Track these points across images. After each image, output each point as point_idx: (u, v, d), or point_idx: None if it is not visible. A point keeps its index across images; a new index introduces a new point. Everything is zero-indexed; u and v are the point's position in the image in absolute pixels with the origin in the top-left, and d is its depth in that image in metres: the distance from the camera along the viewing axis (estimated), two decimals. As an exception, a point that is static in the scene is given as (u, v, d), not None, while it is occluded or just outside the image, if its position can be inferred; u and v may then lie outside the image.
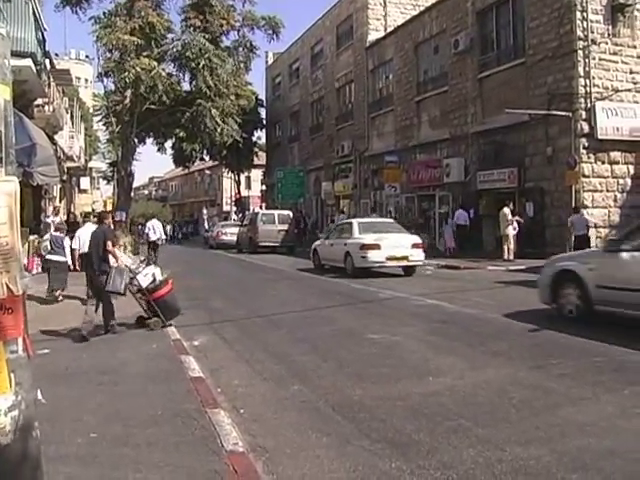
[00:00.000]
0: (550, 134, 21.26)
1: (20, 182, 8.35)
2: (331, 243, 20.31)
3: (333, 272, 19.38)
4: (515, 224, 20.94)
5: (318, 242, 22.21)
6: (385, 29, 34.70)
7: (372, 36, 34.96)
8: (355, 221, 20.63)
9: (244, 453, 4.65)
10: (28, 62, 16.65)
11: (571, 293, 9.96)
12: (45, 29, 22.98)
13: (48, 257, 14.01)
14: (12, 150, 2.44)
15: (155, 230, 23.75)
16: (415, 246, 18.17)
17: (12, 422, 2.40)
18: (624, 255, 9.20)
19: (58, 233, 14.48)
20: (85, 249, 13.22)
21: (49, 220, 19.07)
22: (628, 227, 11.98)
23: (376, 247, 17.70)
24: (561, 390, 6.08)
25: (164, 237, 26.14)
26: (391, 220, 23.14)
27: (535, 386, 6.25)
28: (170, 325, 9.87)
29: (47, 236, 15.67)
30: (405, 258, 17.84)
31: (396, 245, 17.80)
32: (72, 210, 23.11)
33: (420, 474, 4.23)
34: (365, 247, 17.85)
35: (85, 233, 13.69)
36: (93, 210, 52.84)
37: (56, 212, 20.18)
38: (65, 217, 18.44)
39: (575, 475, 4.12)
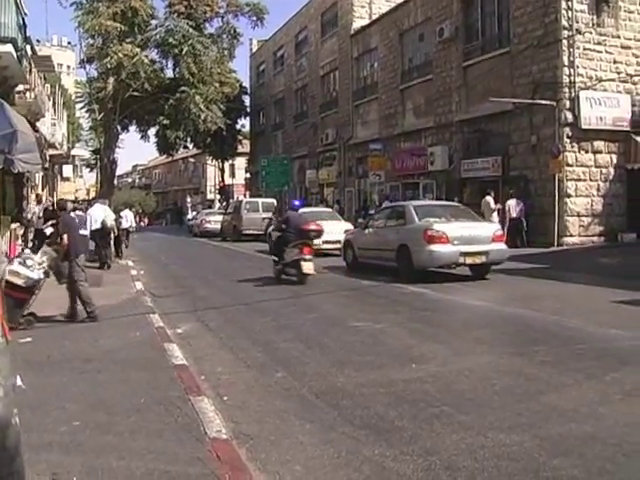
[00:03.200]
0: (534, 123, 21.34)
1: (1, 170, 8.27)
2: None
3: None
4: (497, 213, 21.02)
5: (271, 227, 24.31)
6: (370, 17, 34.64)
7: (357, 24, 34.88)
8: (300, 210, 22.47)
9: (227, 440, 4.65)
10: (9, 48, 16.44)
11: (350, 253, 17.06)
12: (26, 14, 22.67)
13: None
14: (-10, 134, 2.41)
15: (127, 219, 24.86)
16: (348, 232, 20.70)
17: (-10, 409, 2.38)
18: (366, 231, 16.63)
19: (81, 212, 16.49)
20: (97, 225, 17.41)
21: (34, 209, 19.01)
22: (372, 214, 19.66)
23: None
24: (543, 377, 6.12)
25: (134, 225, 27.82)
26: (330, 210, 26.63)
27: (517, 373, 6.29)
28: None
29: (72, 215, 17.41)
30: (338, 242, 19.90)
31: (331, 231, 19.83)
32: (51, 199, 22.98)
33: (403, 460, 4.24)
34: None
35: (96, 212, 17.72)
36: (76, 198, 52.61)
37: (38, 200, 20.03)
38: (48, 206, 18.34)
39: (557, 460, 4.14)
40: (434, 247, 13.30)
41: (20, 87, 22.67)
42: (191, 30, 19.31)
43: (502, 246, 14.25)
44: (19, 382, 2.60)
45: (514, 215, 21.35)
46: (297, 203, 17.56)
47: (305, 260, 13.97)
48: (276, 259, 15.01)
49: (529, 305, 10.12)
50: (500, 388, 5.78)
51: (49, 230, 16.17)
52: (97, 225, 18.26)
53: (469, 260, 13.60)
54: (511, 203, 21.49)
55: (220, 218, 36.80)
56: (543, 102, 20.40)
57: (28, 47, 24.31)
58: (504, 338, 7.93)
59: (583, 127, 20.47)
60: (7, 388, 2.46)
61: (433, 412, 5.17)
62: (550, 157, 20.17)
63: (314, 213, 23.25)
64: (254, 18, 21.18)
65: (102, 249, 18.30)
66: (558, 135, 20.30)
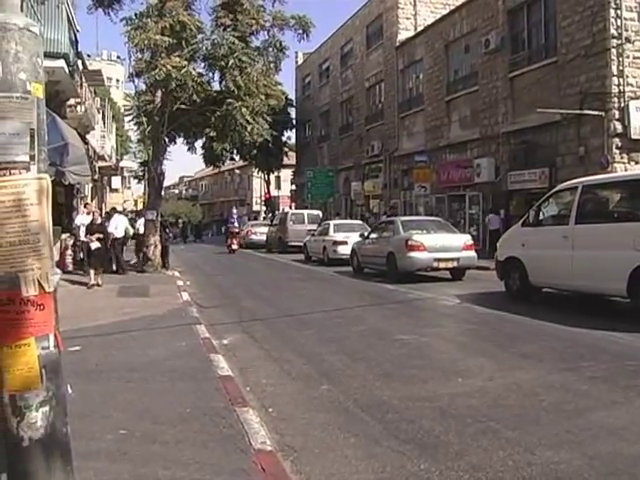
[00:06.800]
0: (582, 134, 21.00)
1: (53, 181, 8.50)
2: (315, 239, 25.43)
3: (317, 262, 24.50)
4: None
5: (307, 238, 26.93)
6: (415, 28, 34.56)
7: (402, 35, 34.84)
8: (332, 222, 26.30)
9: (272, 452, 4.64)
10: (61, 63, 16.86)
11: (355, 260, 20.01)
12: (78, 30, 23.26)
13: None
14: (44, 148, 2.47)
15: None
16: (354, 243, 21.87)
17: (43, 417, 2.43)
18: (366, 240, 19.32)
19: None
20: (119, 234, 18.64)
21: (82, 220, 19.14)
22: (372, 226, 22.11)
23: (345, 243, 22.30)
24: (592, 393, 5.99)
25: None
26: (360, 222, 28.00)
27: (566, 389, 6.17)
28: None
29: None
30: None
31: None
32: (97, 211, 23.18)
33: (449, 476, 4.19)
34: (336, 243, 23.04)
35: (116, 222, 18.84)
36: (124, 209, 53.56)
37: (88, 211, 20.30)
38: (95, 219, 18.36)
39: (607, 480, 4.06)
40: (413, 254, 16.39)
41: (71, 101, 23.20)
42: (237, 42, 19.42)
43: (471, 254, 17.00)
44: (70, 390, 2.65)
45: (493, 228, 24.09)
46: (232, 220, 35.74)
47: (233, 244, 32.88)
48: (226, 243, 33.42)
49: (575, 320, 9.92)
50: (548, 404, 5.68)
51: (95, 245, 15.82)
52: (120, 234, 18.64)
53: (442, 265, 16.56)
54: (491, 217, 24.71)
55: (266, 229, 37.09)
56: (591, 112, 20.07)
57: (79, 62, 24.89)
58: (551, 353, 7.79)
59: (633, 137, 20.04)
60: (59, 397, 2.51)
61: (479, 427, 5.10)
62: (599, 168, 19.80)
63: (347, 225, 25.82)
64: (300, 31, 21.20)
65: (119, 256, 18.96)
66: (607, 146, 19.94)
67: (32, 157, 2.38)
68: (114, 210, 22.11)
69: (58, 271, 2.48)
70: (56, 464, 2.47)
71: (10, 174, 2.34)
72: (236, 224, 36.19)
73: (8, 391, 2.41)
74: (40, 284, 2.38)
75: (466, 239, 17.47)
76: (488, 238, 24.55)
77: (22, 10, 2.44)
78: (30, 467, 2.42)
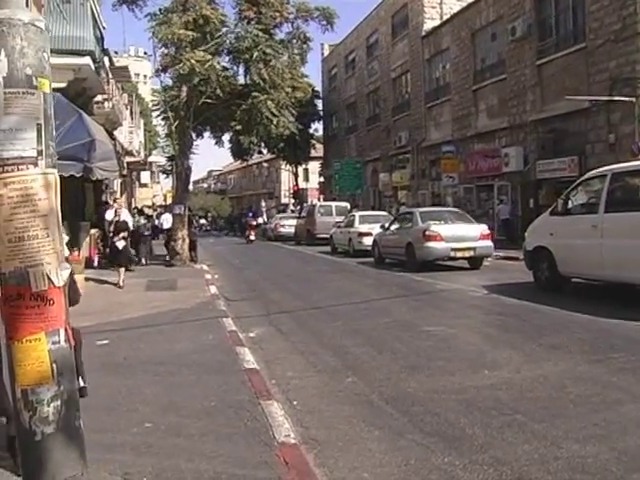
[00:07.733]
0: (612, 120, 20.65)
1: (81, 177, 8.60)
2: (341, 231, 25.88)
3: (343, 253, 24.84)
4: None
5: (333, 230, 27.43)
6: (441, 17, 34.27)
7: (428, 25, 34.56)
8: (357, 214, 26.60)
9: (296, 445, 4.63)
10: (87, 60, 16.98)
11: (376, 250, 20.41)
12: (104, 27, 23.42)
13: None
14: (52, 143, 2.46)
15: (167, 221, 26.51)
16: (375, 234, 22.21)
17: (55, 411, 2.44)
18: (386, 232, 19.77)
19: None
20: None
21: (109, 217, 19.14)
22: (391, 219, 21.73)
23: (369, 234, 22.33)
24: (622, 385, 5.88)
25: None
26: (385, 213, 28.32)
27: (594, 381, 6.07)
28: None
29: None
30: None
31: None
32: (119, 210, 23.01)
33: (473, 469, 4.14)
34: (362, 234, 23.25)
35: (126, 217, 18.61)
36: (153, 204, 53.92)
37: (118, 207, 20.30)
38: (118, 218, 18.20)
39: (636, 475, 3.96)
40: (430, 244, 16.92)
41: (98, 97, 23.39)
42: (260, 34, 19.41)
43: (488, 243, 17.49)
44: (82, 383, 2.66)
45: (504, 217, 25.64)
46: (250, 214, 42.19)
47: (250, 234, 35.97)
48: (245, 235, 36.90)
49: (605, 311, 9.75)
50: (575, 396, 5.59)
51: (121, 244, 15.59)
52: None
53: (459, 254, 17.07)
54: (501, 207, 26.11)
55: (294, 222, 37.14)
56: (622, 98, 19.70)
57: (106, 59, 25.09)
58: (580, 344, 7.66)
59: (665, 123, 19.68)
60: (71, 391, 2.51)
61: (505, 420, 5.04)
62: (630, 156, 19.43)
63: (372, 216, 26.04)
64: (324, 22, 21.08)
65: (132, 248, 18.97)
66: (638, 132, 19.57)
67: (40, 152, 2.38)
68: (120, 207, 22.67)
69: (68, 266, 2.47)
70: (69, 457, 2.49)
71: (18, 169, 2.33)
72: (264, 218, 37.53)
73: (20, 386, 2.43)
74: (50, 279, 2.38)
75: (482, 229, 17.76)
76: (501, 228, 25.33)
77: (27, 5, 2.43)
78: (43, 460, 2.44)
